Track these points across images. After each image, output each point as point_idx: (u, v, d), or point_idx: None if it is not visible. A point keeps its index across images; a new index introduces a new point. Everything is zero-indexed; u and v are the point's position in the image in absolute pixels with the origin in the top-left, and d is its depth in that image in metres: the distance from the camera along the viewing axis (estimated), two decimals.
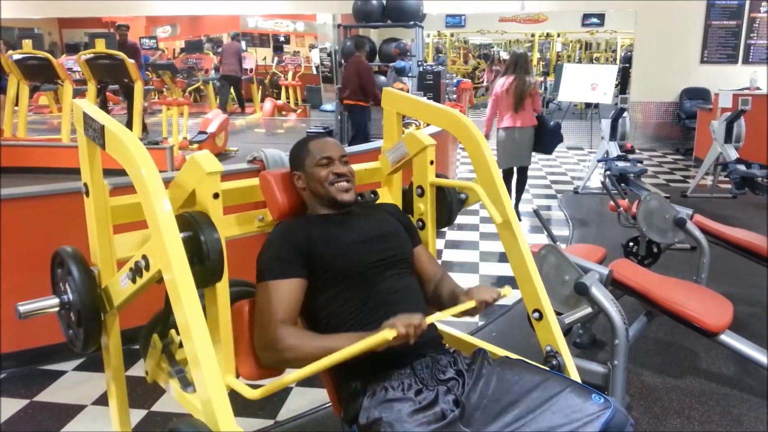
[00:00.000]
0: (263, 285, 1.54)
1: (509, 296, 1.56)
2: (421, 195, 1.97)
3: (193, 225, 1.35)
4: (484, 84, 16.04)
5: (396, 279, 1.62)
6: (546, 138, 5.16)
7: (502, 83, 5.11)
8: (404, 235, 1.76)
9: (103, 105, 10.39)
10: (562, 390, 1.37)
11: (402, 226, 1.78)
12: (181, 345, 1.60)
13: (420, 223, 1.98)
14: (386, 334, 1.28)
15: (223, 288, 1.44)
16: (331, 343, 1.37)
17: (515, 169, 5.29)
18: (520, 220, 5.36)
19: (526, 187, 5.72)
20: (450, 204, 2.00)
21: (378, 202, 2.01)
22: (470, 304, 1.48)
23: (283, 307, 1.49)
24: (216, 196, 1.40)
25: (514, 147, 5.12)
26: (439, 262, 4.28)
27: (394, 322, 1.31)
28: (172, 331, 1.62)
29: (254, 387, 1.43)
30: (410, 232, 1.81)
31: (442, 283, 1.73)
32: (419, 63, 7.99)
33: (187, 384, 1.54)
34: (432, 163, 1.94)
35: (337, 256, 1.58)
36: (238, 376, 1.55)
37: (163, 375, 1.64)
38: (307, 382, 2.60)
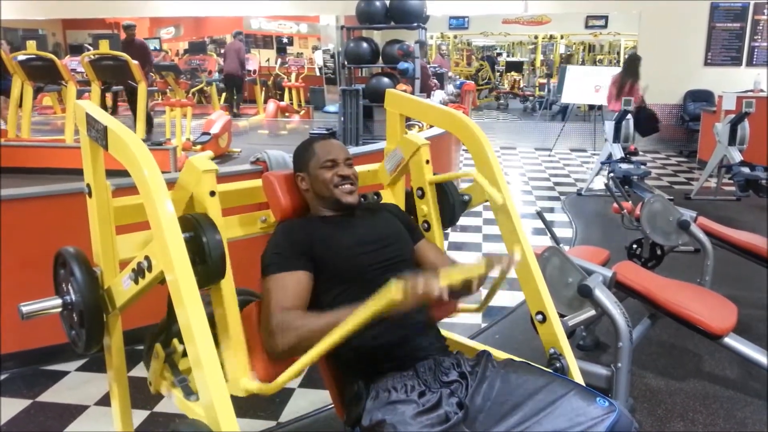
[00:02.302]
0: (268, 279, 1.52)
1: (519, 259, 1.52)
2: (422, 196, 1.97)
3: (195, 225, 1.36)
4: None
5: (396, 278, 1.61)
6: (641, 123, 6.71)
7: (614, 77, 6.87)
8: (406, 236, 1.75)
9: (115, 107, 10.43)
10: (567, 393, 1.36)
11: (403, 226, 1.78)
12: (183, 354, 1.58)
13: (425, 225, 1.97)
14: (393, 293, 1.18)
15: (228, 287, 1.44)
16: (336, 317, 1.32)
17: None
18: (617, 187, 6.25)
19: (530, 188, 6.43)
20: (452, 203, 2.00)
21: (381, 202, 2.01)
22: (480, 268, 1.35)
23: (287, 296, 1.47)
24: (212, 193, 1.43)
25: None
26: None
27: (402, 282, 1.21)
28: (175, 341, 1.60)
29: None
30: (411, 231, 1.80)
31: None
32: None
33: (189, 393, 1.53)
34: (428, 162, 1.95)
35: (336, 259, 1.58)
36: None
37: (166, 384, 1.63)
38: (309, 383, 2.60)
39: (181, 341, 1.51)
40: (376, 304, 1.22)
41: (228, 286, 1.44)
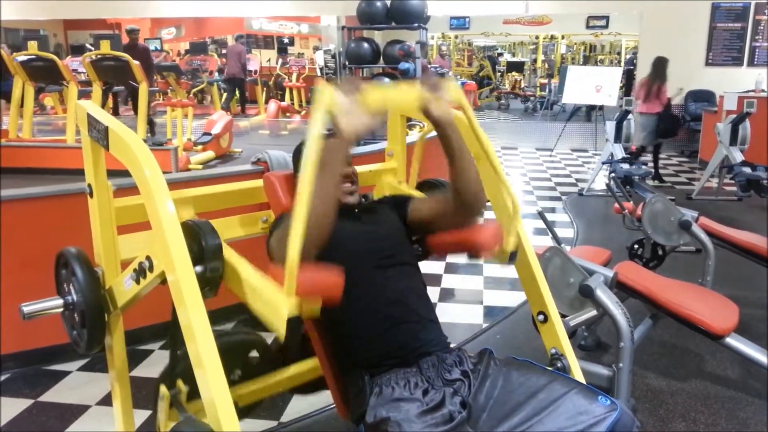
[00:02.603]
0: (277, 232, 1.50)
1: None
2: None
3: (194, 230, 1.38)
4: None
5: (398, 277, 1.61)
6: (663, 125, 6.98)
7: (642, 79, 7.17)
8: (404, 234, 1.74)
9: (115, 109, 10.45)
10: (568, 391, 1.36)
11: (399, 218, 1.75)
12: (189, 396, 1.55)
13: None
14: (324, 93, 1.26)
15: (230, 256, 1.44)
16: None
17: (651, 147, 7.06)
18: (662, 180, 6.98)
19: (531, 188, 6.55)
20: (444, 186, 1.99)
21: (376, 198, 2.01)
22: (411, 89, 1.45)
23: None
24: None
25: (640, 128, 6.81)
26: (442, 264, 4.27)
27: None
28: (180, 382, 1.58)
29: None
30: (406, 207, 1.77)
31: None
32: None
33: None
34: (400, 182, 2.04)
35: (337, 258, 1.57)
36: None
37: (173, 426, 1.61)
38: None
39: (186, 381, 1.51)
40: (317, 117, 1.24)
41: (230, 254, 1.44)
